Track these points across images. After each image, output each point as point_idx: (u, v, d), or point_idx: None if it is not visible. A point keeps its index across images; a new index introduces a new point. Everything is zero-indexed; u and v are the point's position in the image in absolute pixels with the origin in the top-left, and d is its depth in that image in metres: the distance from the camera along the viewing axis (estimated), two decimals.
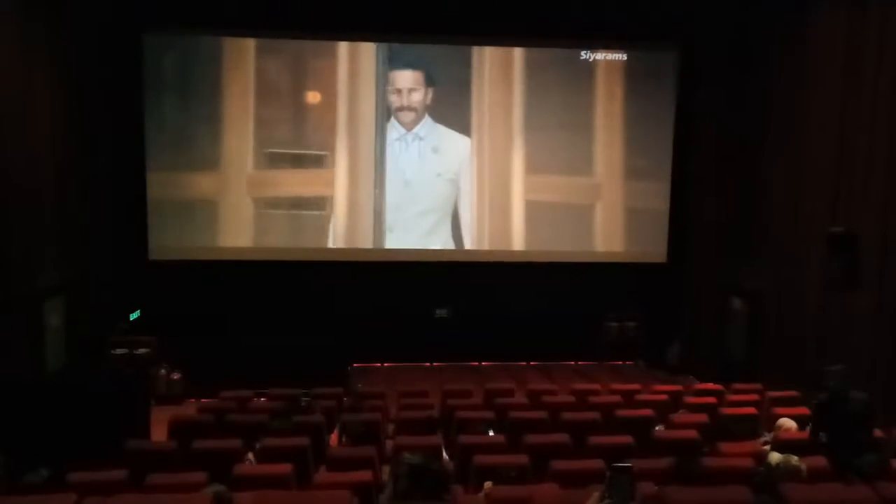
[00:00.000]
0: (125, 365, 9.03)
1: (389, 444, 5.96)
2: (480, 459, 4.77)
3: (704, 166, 11.16)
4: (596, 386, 8.39)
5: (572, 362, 11.61)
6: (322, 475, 4.86)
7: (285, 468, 4.65)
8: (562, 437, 5.46)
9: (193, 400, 8.73)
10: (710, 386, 8.09)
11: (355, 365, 10.89)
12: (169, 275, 10.67)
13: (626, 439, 5.42)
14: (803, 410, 6.08)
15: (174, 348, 9.51)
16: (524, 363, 11.53)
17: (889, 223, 7.45)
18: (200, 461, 4.91)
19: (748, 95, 10.20)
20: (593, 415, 6.33)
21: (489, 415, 6.41)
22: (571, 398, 7.38)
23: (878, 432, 5.30)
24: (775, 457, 4.48)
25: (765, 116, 9.90)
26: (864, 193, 7.83)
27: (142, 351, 9.21)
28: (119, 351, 9.18)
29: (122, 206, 10.48)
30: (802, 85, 9.00)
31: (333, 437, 6.19)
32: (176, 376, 9.51)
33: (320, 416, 6.42)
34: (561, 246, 11.60)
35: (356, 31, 11.05)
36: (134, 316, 10.43)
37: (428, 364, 11.44)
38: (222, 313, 10.49)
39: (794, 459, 4.26)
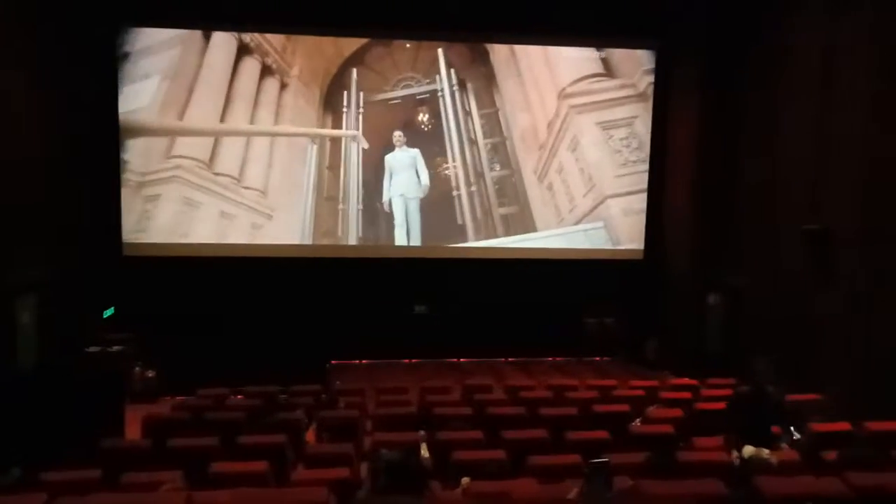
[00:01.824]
0: (99, 363, 8.88)
1: (368, 440, 5.95)
2: (458, 455, 4.79)
3: (682, 164, 11.28)
4: (574, 381, 8.46)
5: (551, 358, 11.66)
6: (300, 472, 4.84)
7: (262, 465, 4.63)
8: (539, 433, 5.50)
9: (168, 398, 8.64)
10: (686, 381, 8.19)
11: (334, 362, 10.86)
12: (143, 272, 10.51)
13: (603, 434, 5.47)
14: None
15: (149, 346, 9.40)
16: (503, 359, 11.57)
17: (863, 221, 7.60)
18: (175, 460, 4.86)
19: (726, 96, 10.31)
20: (571, 410, 6.39)
21: (467, 411, 6.43)
22: (549, 394, 7.43)
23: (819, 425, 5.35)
24: (748, 450, 4.55)
25: (742, 116, 10.03)
26: (839, 192, 7.98)
27: (116, 348, 9.06)
28: (93, 348, 9.03)
29: (97, 203, 10.30)
30: (780, 86, 9.13)
31: (311, 434, 6.17)
32: (150, 374, 9.41)
33: (300, 412, 6.39)
34: (539, 243, 11.65)
35: (348, 27, 10.99)
36: (108, 313, 10.28)
37: (407, 361, 11.42)
38: (198, 311, 10.36)
39: (765, 453, 4.35)
